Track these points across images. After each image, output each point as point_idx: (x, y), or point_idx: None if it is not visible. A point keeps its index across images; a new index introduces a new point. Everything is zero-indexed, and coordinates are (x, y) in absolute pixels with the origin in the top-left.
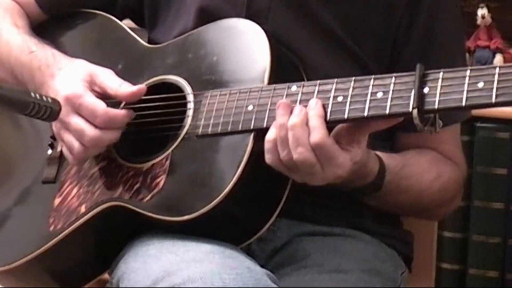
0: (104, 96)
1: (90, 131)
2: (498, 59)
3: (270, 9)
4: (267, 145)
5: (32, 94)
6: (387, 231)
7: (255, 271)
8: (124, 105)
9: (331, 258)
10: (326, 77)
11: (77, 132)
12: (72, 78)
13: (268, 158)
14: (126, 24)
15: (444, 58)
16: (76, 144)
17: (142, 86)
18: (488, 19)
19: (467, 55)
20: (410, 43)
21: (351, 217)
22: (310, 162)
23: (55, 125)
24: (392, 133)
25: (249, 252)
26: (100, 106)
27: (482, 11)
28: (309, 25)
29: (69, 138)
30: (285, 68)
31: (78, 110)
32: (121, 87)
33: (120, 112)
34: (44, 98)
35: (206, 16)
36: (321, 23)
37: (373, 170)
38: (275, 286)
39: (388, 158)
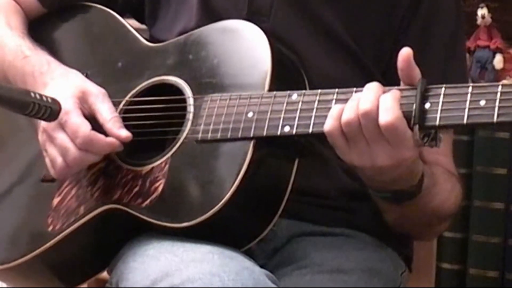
0: (92, 117)
1: (73, 150)
2: (498, 59)
3: (272, 7)
4: (333, 110)
5: (32, 94)
6: (387, 231)
7: (254, 271)
8: (124, 104)
9: (331, 258)
10: (327, 77)
11: (62, 149)
12: (63, 92)
13: (328, 123)
14: (130, 24)
15: (441, 60)
16: (59, 160)
17: (129, 135)
18: (488, 19)
19: (467, 55)
20: (407, 44)
21: (351, 217)
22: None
23: (41, 134)
24: None
25: (249, 252)
26: (83, 127)
27: (482, 11)
28: (311, 25)
29: (53, 151)
30: (287, 72)
31: (63, 126)
32: (110, 121)
33: (103, 140)
34: (44, 98)
35: (208, 13)
36: (323, 23)
37: (420, 169)
38: (275, 286)
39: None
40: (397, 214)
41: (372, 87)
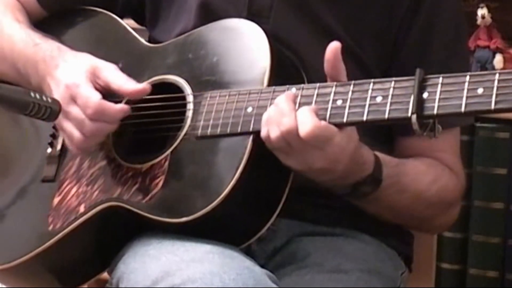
0: (106, 90)
1: (87, 122)
2: (498, 59)
3: (272, 8)
4: (262, 121)
5: (32, 94)
6: (387, 231)
7: (254, 271)
8: (125, 103)
9: (331, 258)
10: (327, 77)
11: (77, 122)
12: (75, 69)
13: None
14: (128, 24)
15: (443, 60)
16: (76, 133)
17: (147, 85)
18: (488, 19)
19: None
20: (409, 44)
21: (352, 217)
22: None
23: None
24: (392, 136)
25: (249, 252)
26: (93, 97)
27: (482, 11)
28: (311, 25)
29: (68, 126)
30: (286, 70)
31: (74, 99)
32: (126, 83)
33: (114, 107)
34: (44, 98)
35: (207, 14)
36: (323, 23)
37: (369, 158)
38: (275, 286)
39: (380, 153)
40: (374, 207)
41: (282, 101)
